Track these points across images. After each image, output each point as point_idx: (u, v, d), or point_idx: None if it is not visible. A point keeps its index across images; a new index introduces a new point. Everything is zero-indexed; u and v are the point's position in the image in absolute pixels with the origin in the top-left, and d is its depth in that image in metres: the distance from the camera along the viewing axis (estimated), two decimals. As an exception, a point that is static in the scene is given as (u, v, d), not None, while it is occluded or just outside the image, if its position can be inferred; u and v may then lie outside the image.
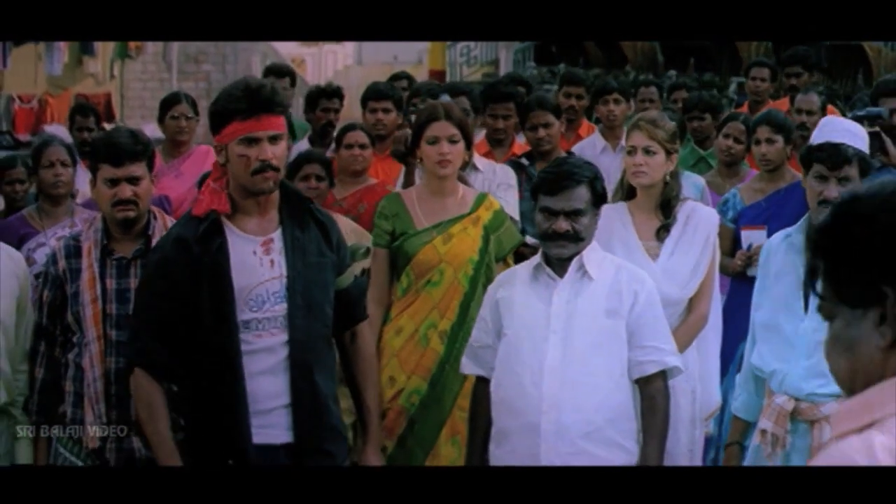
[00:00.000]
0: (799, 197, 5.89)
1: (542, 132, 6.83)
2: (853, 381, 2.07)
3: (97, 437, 4.57)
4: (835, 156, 4.36)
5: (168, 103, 7.70)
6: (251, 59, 18.96)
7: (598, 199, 4.60)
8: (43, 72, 17.81)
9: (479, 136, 7.46)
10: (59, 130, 15.10)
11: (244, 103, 4.21)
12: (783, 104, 8.42)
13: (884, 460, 1.91)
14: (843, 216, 2.08)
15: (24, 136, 18.24)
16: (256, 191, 4.25)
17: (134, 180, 4.63)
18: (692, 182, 6.72)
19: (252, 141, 4.19)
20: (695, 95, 8.50)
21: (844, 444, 1.98)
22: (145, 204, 4.72)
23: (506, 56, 23.93)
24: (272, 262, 4.27)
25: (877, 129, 6.13)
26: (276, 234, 4.31)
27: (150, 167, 4.77)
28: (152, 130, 10.58)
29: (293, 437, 4.26)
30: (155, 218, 4.77)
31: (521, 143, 7.41)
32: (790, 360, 4.30)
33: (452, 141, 5.44)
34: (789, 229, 4.53)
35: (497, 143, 7.41)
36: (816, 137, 4.54)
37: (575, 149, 7.40)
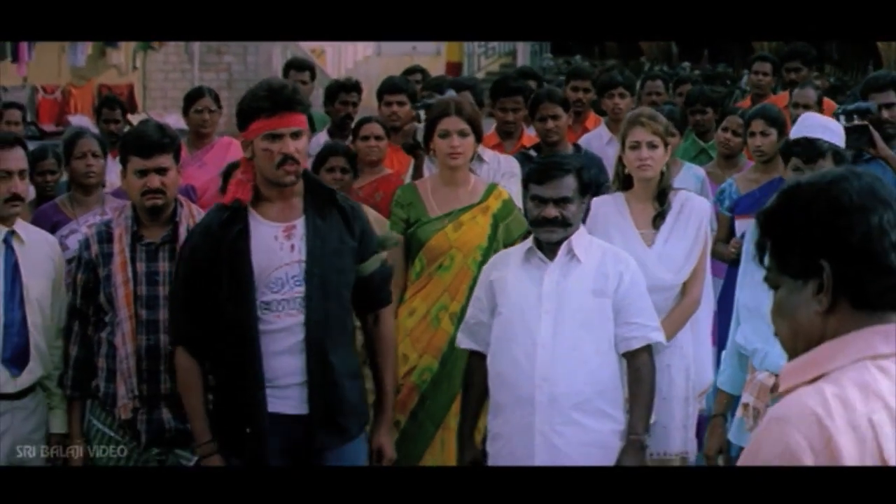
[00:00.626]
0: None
1: (550, 124, 7.10)
2: (795, 343, 2.39)
3: (129, 409, 4.91)
4: (809, 150, 4.67)
5: (192, 97, 7.98)
6: (272, 50, 19.03)
7: (585, 187, 4.90)
8: (66, 63, 17.88)
9: (490, 128, 7.75)
10: (83, 121, 15.38)
11: (267, 102, 4.54)
12: (783, 98, 8.69)
13: (835, 407, 2.19)
14: (786, 201, 2.40)
15: (48, 126, 18.47)
16: (279, 182, 4.57)
17: (162, 171, 4.94)
18: (693, 173, 7.02)
19: (275, 137, 4.52)
20: (696, 89, 8.77)
21: (796, 393, 2.28)
22: (172, 193, 5.03)
23: (523, 47, 24.13)
24: (293, 246, 4.59)
25: (865, 123, 6.40)
26: (299, 221, 4.62)
27: (177, 158, 5.08)
28: (175, 121, 10.82)
29: (306, 411, 4.59)
30: (181, 206, 5.08)
31: (530, 136, 7.64)
32: (770, 340, 4.60)
33: (463, 135, 5.71)
34: None
35: (507, 136, 7.67)
36: (794, 132, 4.85)
37: (582, 140, 7.65)
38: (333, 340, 4.61)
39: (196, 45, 19.08)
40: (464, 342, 5.10)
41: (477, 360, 5.01)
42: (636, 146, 5.48)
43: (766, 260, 2.41)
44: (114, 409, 4.95)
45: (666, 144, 5.53)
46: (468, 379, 5.11)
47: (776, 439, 2.23)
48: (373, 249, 4.82)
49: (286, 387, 4.57)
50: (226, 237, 4.56)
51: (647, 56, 22.44)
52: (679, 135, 7.03)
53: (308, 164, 5.99)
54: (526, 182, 4.99)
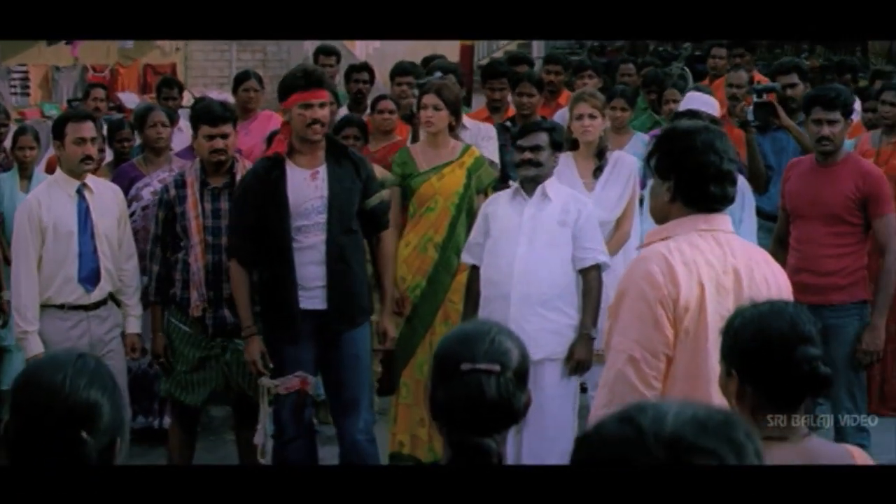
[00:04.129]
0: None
1: (525, 100, 8.74)
2: (656, 216, 4.07)
3: (200, 309, 6.56)
4: (693, 118, 6.32)
5: (240, 79, 9.55)
6: None
7: (556, 144, 6.48)
8: (115, 45, 18.00)
9: (482, 103, 9.32)
10: (130, 97, 16.38)
11: (303, 80, 6.22)
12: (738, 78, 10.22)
13: (674, 251, 3.85)
14: (662, 138, 4.10)
15: (97, 103, 19.40)
16: (308, 139, 6.22)
17: (224, 136, 6.57)
18: (641, 139, 8.49)
19: (307, 106, 6.18)
20: (651, 72, 10.39)
21: (653, 245, 3.94)
22: (231, 151, 6.66)
23: (537, 29, 24.95)
24: (317, 186, 6.24)
25: (771, 99, 8.00)
26: (322, 168, 6.28)
27: (234, 126, 6.72)
28: (216, 96, 12.16)
29: (327, 306, 6.25)
30: (237, 160, 6.71)
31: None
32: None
33: (436, 108, 7.18)
34: None
35: (495, 110, 9.26)
36: (682, 106, 6.53)
37: (556, 116, 9.07)
38: (346, 254, 6.27)
39: (236, 28, 19.52)
40: (467, 258, 6.66)
41: (475, 272, 6.59)
42: (580, 117, 7.13)
43: (651, 165, 4.07)
44: (188, 310, 6.58)
45: (603, 115, 7.18)
46: (469, 285, 6.65)
47: (640, 267, 3.91)
48: (375, 189, 6.48)
49: (312, 288, 6.23)
50: (269, 179, 6.22)
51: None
52: (631, 109, 8.58)
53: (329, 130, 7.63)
54: (514, 140, 6.56)
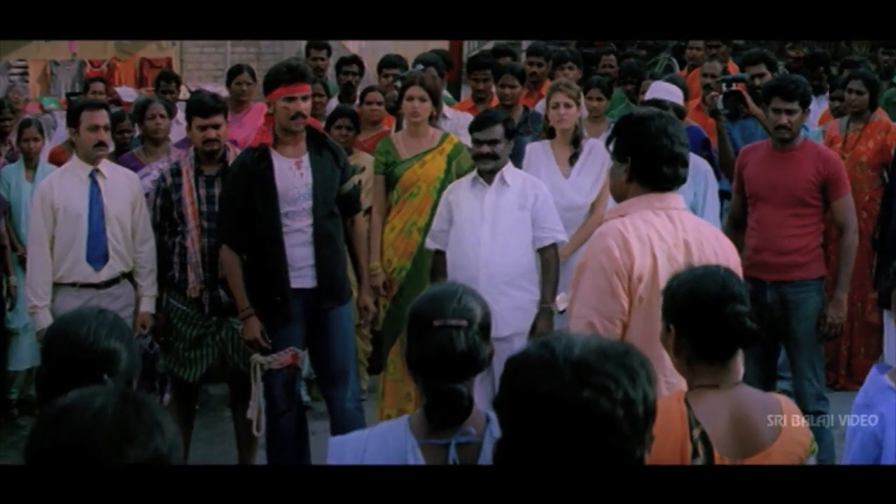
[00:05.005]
0: (690, 138, 8.16)
1: (507, 91, 9.10)
2: (615, 195, 4.47)
3: (197, 290, 6.95)
4: (658, 106, 6.70)
5: (234, 73, 9.85)
6: None
7: (510, 133, 6.87)
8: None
9: (468, 94, 9.68)
10: (126, 92, 16.60)
11: (287, 75, 6.57)
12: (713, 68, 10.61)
13: (630, 227, 4.24)
14: (621, 121, 4.50)
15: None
16: (291, 130, 6.59)
17: (216, 126, 6.96)
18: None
19: (291, 99, 6.55)
20: (626, 65, 10.80)
21: (611, 221, 4.33)
22: (223, 141, 7.05)
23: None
24: (301, 174, 6.62)
25: (740, 89, 8.39)
26: (305, 158, 6.66)
27: (225, 117, 7.10)
28: (211, 88, 12.40)
29: (315, 285, 6.63)
30: (228, 150, 7.09)
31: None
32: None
33: (422, 100, 7.55)
34: None
35: (479, 101, 9.64)
36: (648, 95, 6.93)
37: (538, 106, 9.39)
38: (330, 236, 6.67)
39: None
40: (431, 244, 7.06)
41: (440, 257, 6.99)
42: (556, 106, 7.50)
43: (612, 149, 4.47)
44: (185, 291, 6.97)
45: (578, 105, 7.57)
46: (434, 269, 7.06)
47: (599, 242, 4.31)
48: (348, 175, 6.88)
49: (301, 268, 6.61)
50: (257, 169, 6.58)
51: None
52: (606, 99, 8.95)
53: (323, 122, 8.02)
54: (471, 130, 6.95)
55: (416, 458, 3.06)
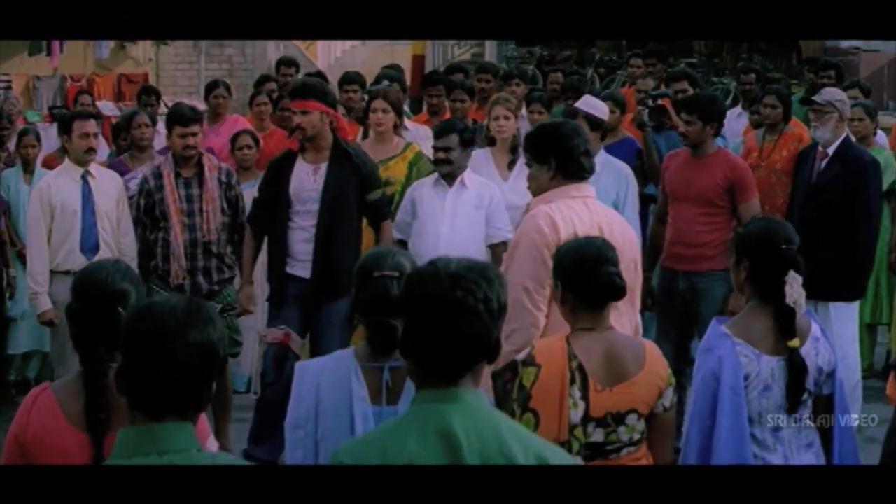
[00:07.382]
0: (626, 148, 9.21)
1: (458, 105, 10.06)
2: (536, 194, 5.38)
3: (180, 278, 7.85)
4: (572, 116, 7.69)
5: (210, 87, 10.79)
6: (267, 44, 20.47)
7: (465, 142, 7.83)
8: (91, 55, 18.63)
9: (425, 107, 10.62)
10: (105, 106, 17.00)
11: (287, 92, 7.57)
12: (646, 85, 11.58)
13: (556, 210, 5.18)
14: (537, 130, 5.49)
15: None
16: (297, 139, 7.56)
17: (194, 134, 7.88)
18: None
19: (291, 113, 7.57)
20: (567, 81, 11.73)
21: (538, 207, 5.26)
22: (199, 147, 7.96)
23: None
24: (315, 180, 7.55)
25: (664, 103, 9.36)
26: (324, 165, 7.58)
27: (201, 126, 8.03)
28: (187, 102, 13.09)
29: (311, 275, 7.52)
30: (202, 155, 7.98)
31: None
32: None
33: (385, 112, 8.46)
34: None
35: (434, 114, 10.54)
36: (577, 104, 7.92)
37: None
38: (333, 238, 7.51)
39: (203, 41, 19.66)
40: (395, 234, 7.91)
41: (403, 246, 7.75)
42: (496, 118, 8.47)
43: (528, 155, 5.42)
44: (168, 279, 7.84)
45: (515, 116, 8.53)
46: None
47: (530, 222, 5.25)
48: (376, 185, 7.72)
49: (302, 260, 7.54)
50: (281, 168, 7.61)
51: (598, 47, 24.20)
52: (547, 112, 9.84)
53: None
54: (435, 138, 7.91)
55: (357, 377, 3.98)
